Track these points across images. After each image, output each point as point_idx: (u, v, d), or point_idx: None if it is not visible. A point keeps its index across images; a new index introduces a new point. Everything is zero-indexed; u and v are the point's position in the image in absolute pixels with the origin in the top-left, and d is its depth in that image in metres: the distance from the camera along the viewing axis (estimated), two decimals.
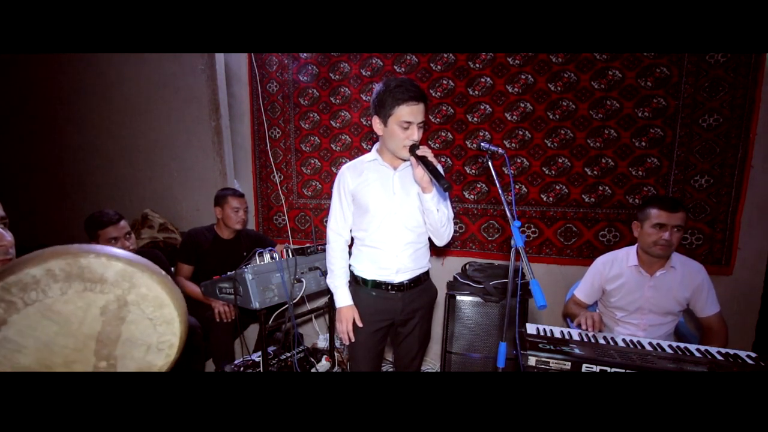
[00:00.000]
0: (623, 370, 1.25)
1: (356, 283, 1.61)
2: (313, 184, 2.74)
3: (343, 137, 2.62)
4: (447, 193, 1.48)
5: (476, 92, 2.31)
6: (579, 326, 1.59)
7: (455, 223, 2.42)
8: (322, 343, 2.59)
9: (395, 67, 2.44)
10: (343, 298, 1.58)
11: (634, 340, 1.50)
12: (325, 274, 2.01)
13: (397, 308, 1.56)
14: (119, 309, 0.70)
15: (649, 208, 1.60)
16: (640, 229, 1.65)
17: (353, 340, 1.57)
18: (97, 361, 0.72)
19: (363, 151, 2.52)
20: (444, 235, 1.53)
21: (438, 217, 1.46)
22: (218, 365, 2.14)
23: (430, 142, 2.43)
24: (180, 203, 2.83)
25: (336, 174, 1.62)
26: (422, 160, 1.35)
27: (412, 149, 1.38)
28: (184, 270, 2.28)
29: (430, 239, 1.60)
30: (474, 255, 2.43)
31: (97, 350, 0.71)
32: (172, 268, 2.24)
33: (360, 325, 1.56)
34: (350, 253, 1.64)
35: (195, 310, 2.15)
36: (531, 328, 1.56)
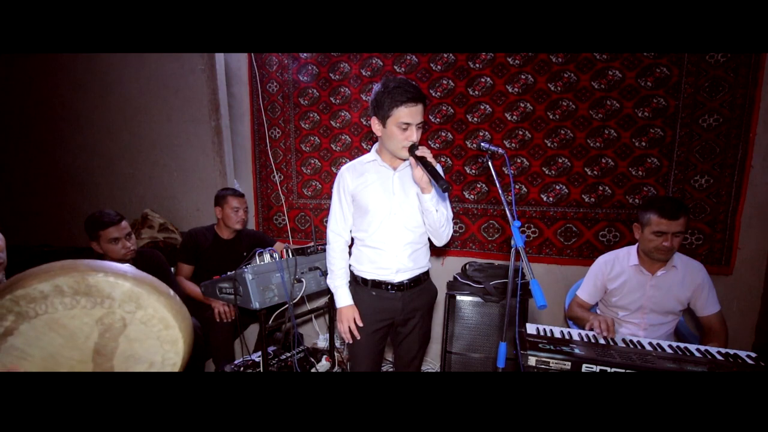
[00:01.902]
0: (623, 370, 1.25)
1: (356, 283, 1.61)
2: (313, 184, 2.74)
3: (343, 137, 2.62)
4: (446, 194, 1.48)
5: (476, 92, 2.31)
6: (591, 330, 1.58)
7: (455, 223, 2.43)
8: (322, 343, 2.59)
9: (395, 67, 2.44)
10: (343, 298, 1.58)
11: (634, 340, 1.51)
12: (325, 274, 2.01)
13: (397, 308, 1.56)
14: (124, 327, 0.71)
15: (649, 214, 1.59)
16: (640, 232, 1.64)
17: (357, 338, 1.57)
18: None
19: (363, 151, 2.52)
20: (443, 235, 1.53)
21: (437, 218, 1.46)
22: (218, 365, 2.14)
23: (430, 142, 2.43)
24: (180, 203, 2.83)
25: (336, 174, 1.62)
26: (421, 161, 1.35)
27: (411, 149, 1.38)
28: (185, 270, 2.28)
29: (429, 239, 1.61)
30: (474, 255, 2.43)
31: (99, 363, 0.72)
32: (172, 268, 2.24)
33: (360, 324, 1.56)
34: (350, 254, 1.65)
35: (195, 310, 2.15)
36: (531, 328, 1.56)
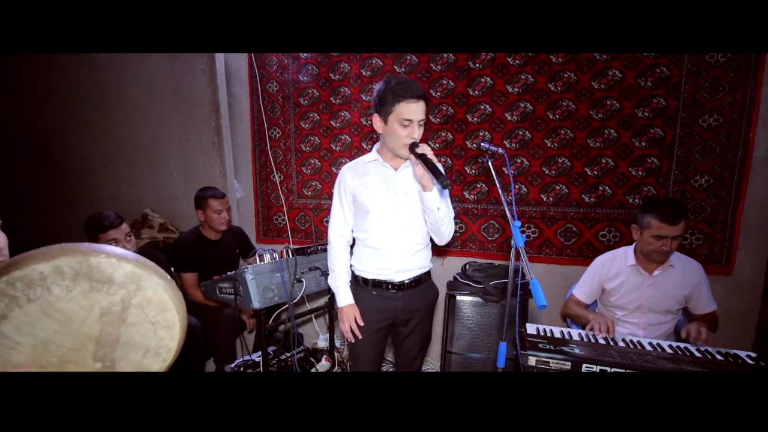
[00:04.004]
0: (623, 370, 1.26)
1: (356, 282, 1.61)
2: (313, 184, 2.74)
3: (343, 137, 2.62)
4: (447, 191, 1.48)
5: (476, 92, 2.31)
6: (591, 331, 1.59)
7: (455, 223, 2.42)
8: (322, 343, 2.59)
9: (395, 67, 2.44)
10: (344, 297, 1.58)
11: (634, 340, 1.51)
12: (325, 274, 2.02)
13: (398, 307, 1.56)
14: (122, 311, 0.70)
15: (649, 217, 1.58)
16: (639, 234, 1.64)
17: (359, 337, 1.57)
18: (92, 363, 0.72)
19: (363, 151, 2.52)
20: (445, 233, 1.53)
21: (439, 216, 1.46)
22: (220, 365, 2.14)
23: (430, 142, 2.43)
24: (180, 203, 2.83)
25: (336, 174, 1.62)
26: (422, 158, 1.35)
27: (412, 147, 1.38)
28: (189, 278, 2.26)
29: (431, 239, 1.60)
30: (474, 255, 2.43)
31: (94, 351, 0.71)
32: (172, 268, 2.24)
33: (362, 323, 1.56)
34: (352, 254, 1.65)
35: (196, 311, 2.15)
36: (531, 328, 1.56)
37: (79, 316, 0.67)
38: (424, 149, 1.36)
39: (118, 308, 0.69)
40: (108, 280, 0.67)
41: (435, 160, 1.35)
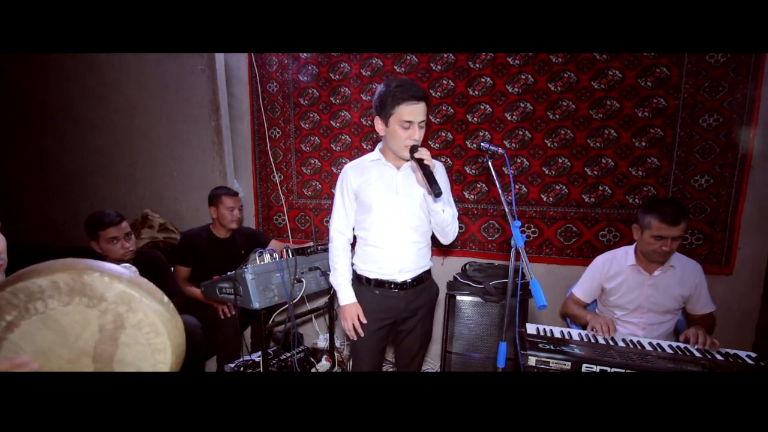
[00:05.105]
0: (623, 370, 1.26)
1: (359, 281, 1.62)
2: (313, 184, 2.74)
3: (343, 137, 2.62)
4: (449, 193, 1.49)
5: (476, 92, 2.31)
6: (593, 330, 1.59)
7: None
8: (322, 343, 2.59)
9: (395, 67, 2.44)
10: (346, 295, 1.59)
11: (634, 340, 1.51)
12: (325, 274, 2.02)
13: (400, 306, 1.57)
14: (115, 330, 0.71)
15: (649, 217, 1.57)
16: (639, 233, 1.64)
17: (362, 335, 1.57)
18: None
19: (363, 151, 2.52)
20: (450, 233, 1.55)
21: (444, 217, 1.48)
22: (225, 363, 2.13)
23: (430, 142, 2.43)
24: (180, 203, 2.83)
25: (336, 174, 1.63)
26: (419, 163, 1.36)
27: (412, 150, 1.39)
28: (182, 272, 2.28)
29: (433, 237, 1.61)
30: (474, 255, 2.43)
31: (87, 365, 0.72)
32: (172, 269, 2.24)
33: (364, 321, 1.57)
34: (353, 252, 1.65)
35: (198, 310, 2.15)
36: (531, 328, 1.56)
37: (74, 329, 0.70)
38: (422, 153, 1.37)
39: (111, 327, 0.71)
40: (100, 298, 0.69)
41: (432, 165, 1.37)
